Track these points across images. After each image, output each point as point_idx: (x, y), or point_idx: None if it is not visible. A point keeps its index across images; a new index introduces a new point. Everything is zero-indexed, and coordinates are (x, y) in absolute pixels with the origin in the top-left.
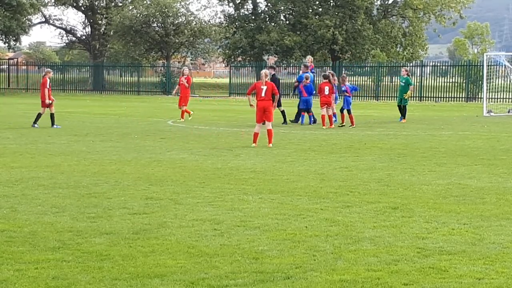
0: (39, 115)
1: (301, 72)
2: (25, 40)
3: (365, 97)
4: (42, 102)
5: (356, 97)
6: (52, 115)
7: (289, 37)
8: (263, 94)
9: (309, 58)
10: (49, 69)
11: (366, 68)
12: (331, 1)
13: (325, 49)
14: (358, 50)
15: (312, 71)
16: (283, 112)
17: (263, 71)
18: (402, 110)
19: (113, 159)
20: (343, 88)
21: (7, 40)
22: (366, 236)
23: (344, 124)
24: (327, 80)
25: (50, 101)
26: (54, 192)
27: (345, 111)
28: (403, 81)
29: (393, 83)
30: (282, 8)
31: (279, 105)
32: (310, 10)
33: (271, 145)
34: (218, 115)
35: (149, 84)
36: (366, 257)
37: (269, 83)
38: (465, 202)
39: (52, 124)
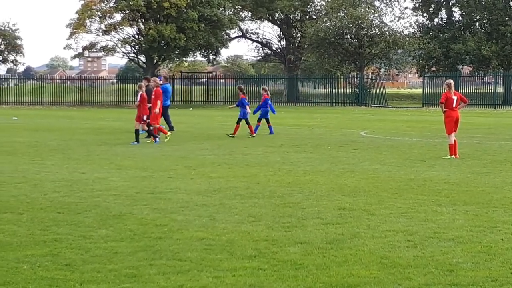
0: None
1: (161, 82)
2: (223, 54)
3: None
4: None
5: None
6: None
7: (486, 46)
8: (454, 104)
9: (163, 71)
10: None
11: None
12: None
13: None
14: None
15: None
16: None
17: (450, 81)
18: None
19: (307, 170)
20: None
21: (207, 54)
22: None
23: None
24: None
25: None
26: (251, 201)
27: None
28: None
29: None
30: (478, 16)
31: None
32: (507, 18)
33: (458, 155)
34: (411, 125)
35: (342, 96)
36: None
37: (456, 93)
38: None
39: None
